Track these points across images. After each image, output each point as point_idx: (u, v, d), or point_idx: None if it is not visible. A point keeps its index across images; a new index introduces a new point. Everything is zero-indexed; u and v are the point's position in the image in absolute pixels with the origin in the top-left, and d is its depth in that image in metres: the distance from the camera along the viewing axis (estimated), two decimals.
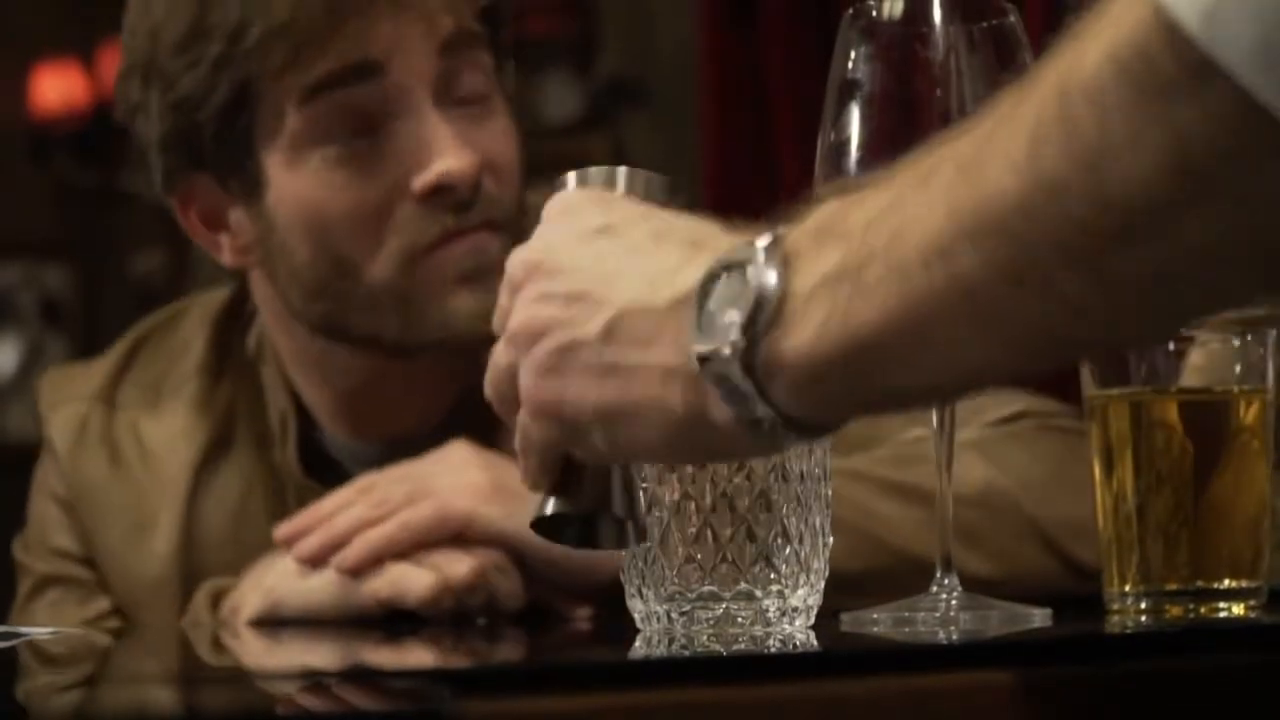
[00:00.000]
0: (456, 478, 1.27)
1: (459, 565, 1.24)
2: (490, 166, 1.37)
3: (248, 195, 1.38)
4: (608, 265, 0.83)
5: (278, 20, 1.32)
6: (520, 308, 0.85)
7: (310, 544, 1.28)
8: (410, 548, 1.25)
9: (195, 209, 1.42)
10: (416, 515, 1.26)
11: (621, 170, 0.91)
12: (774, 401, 0.77)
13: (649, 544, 0.94)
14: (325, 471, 1.41)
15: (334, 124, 1.35)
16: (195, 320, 1.51)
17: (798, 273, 0.76)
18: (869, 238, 0.74)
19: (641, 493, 0.90)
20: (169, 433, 1.46)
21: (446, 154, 1.34)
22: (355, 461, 1.40)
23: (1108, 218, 0.68)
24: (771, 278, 0.76)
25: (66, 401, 1.50)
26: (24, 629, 1.31)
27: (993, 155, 0.71)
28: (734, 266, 0.78)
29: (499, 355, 0.87)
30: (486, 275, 1.34)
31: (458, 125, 1.36)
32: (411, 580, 1.25)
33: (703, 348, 0.78)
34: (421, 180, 1.34)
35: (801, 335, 0.76)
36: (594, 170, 0.91)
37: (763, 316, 0.76)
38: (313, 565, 1.28)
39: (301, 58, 1.33)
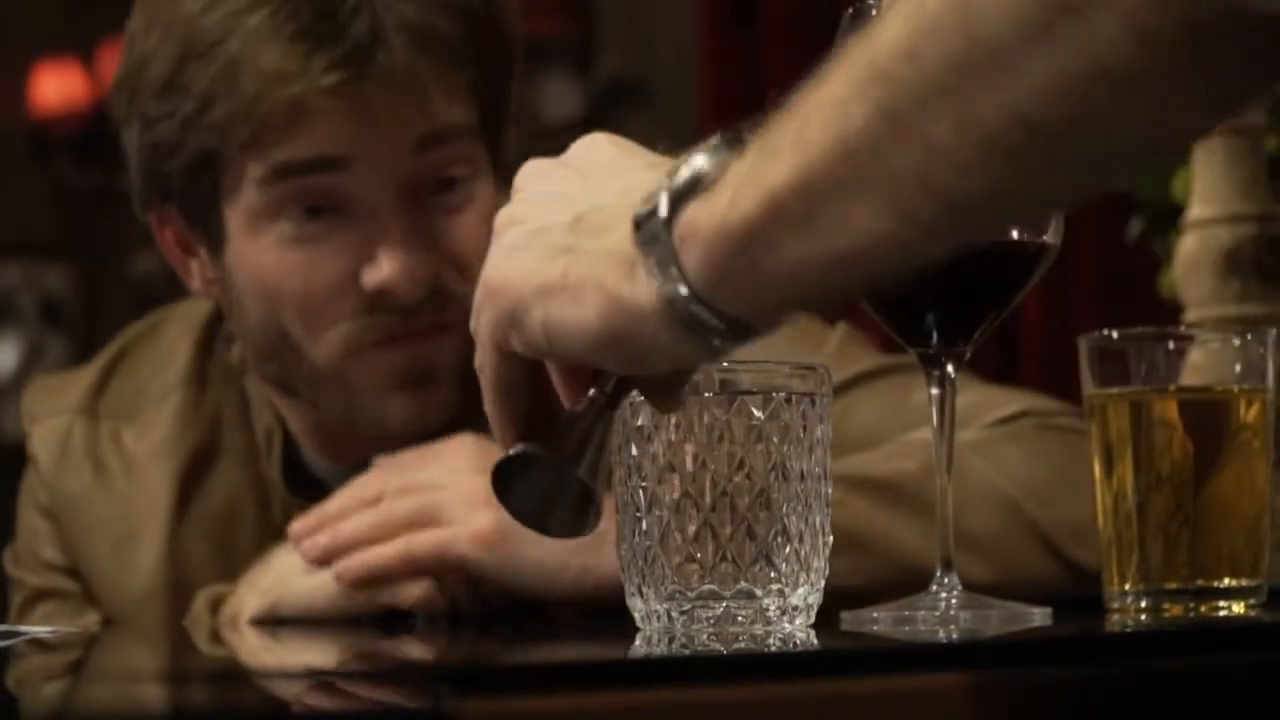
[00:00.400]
0: (467, 509, 1.26)
1: (415, 589, 1.26)
2: (455, 262, 1.34)
3: (210, 243, 1.37)
4: (593, 173, 0.87)
5: (242, 101, 1.30)
6: (506, 207, 0.88)
7: (316, 546, 1.29)
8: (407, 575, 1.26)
9: (169, 230, 1.41)
10: (419, 548, 1.26)
11: None
12: (686, 273, 0.78)
13: (650, 542, 0.94)
14: (311, 486, 1.40)
15: (293, 204, 1.33)
16: (178, 329, 1.50)
17: (729, 157, 0.79)
18: (783, 128, 0.76)
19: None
20: (153, 444, 1.45)
21: (396, 258, 1.32)
22: (337, 480, 1.38)
23: (974, 53, 0.69)
24: (709, 154, 0.79)
25: (49, 414, 1.49)
26: (24, 627, 1.31)
27: (892, 14, 0.72)
28: (683, 163, 0.80)
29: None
30: (428, 380, 1.33)
31: (425, 220, 1.34)
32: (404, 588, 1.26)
33: (638, 213, 0.80)
34: (368, 279, 1.32)
35: (716, 203, 0.78)
36: None
37: (690, 185, 0.79)
38: (318, 564, 1.29)
39: (262, 141, 1.31)
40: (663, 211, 0.79)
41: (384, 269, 1.32)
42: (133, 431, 1.47)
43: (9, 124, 4.95)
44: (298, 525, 1.30)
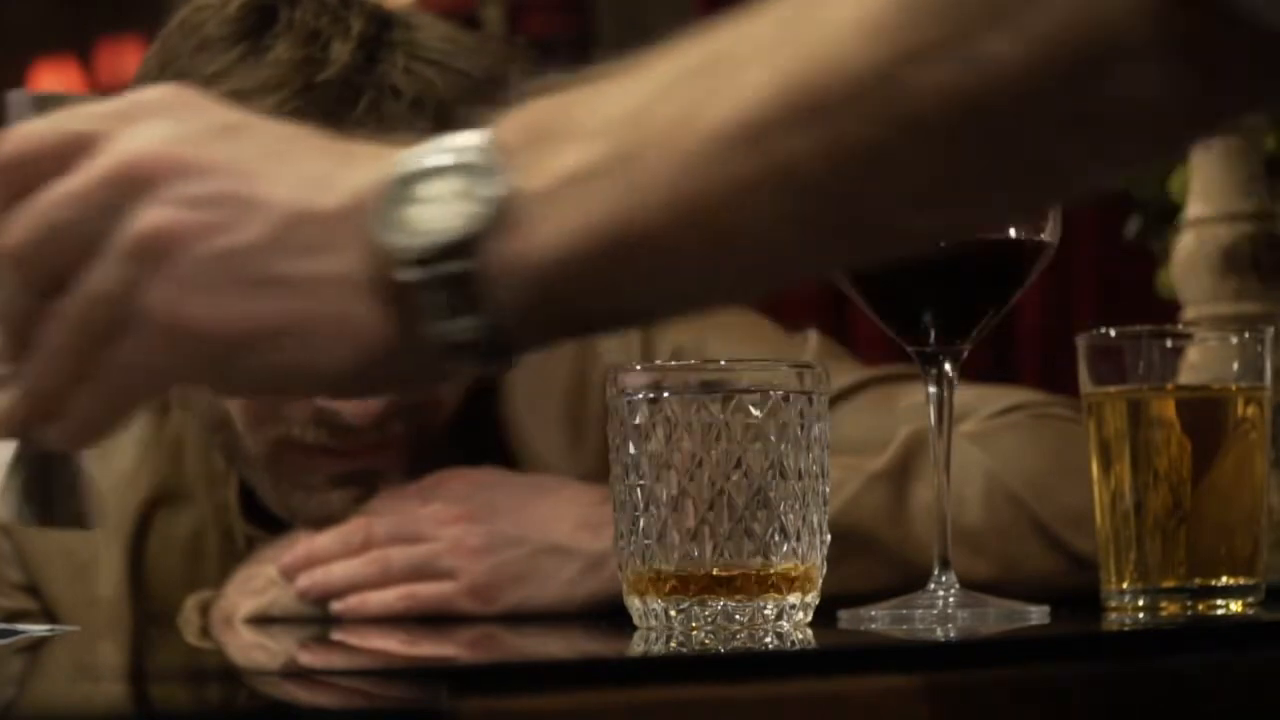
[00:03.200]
0: (466, 560, 1.25)
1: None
2: (410, 403, 1.29)
3: None
4: (251, 165, 0.72)
5: None
6: (146, 212, 0.71)
7: (307, 586, 1.28)
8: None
9: None
10: (421, 600, 1.25)
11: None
12: (496, 314, 0.69)
13: (648, 541, 0.94)
14: (270, 519, 1.38)
15: None
16: None
17: (524, 173, 0.69)
18: (632, 131, 0.68)
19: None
20: (116, 474, 1.42)
21: None
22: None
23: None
24: (496, 176, 0.69)
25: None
26: (22, 626, 1.31)
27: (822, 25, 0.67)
28: (437, 167, 0.70)
29: (93, 277, 0.72)
30: (370, 480, 1.30)
31: None
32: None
33: (411, 254, 0.69)
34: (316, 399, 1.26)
35: (545, 236, 0.69)
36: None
37: (494, 216, 0.69)
38: (310, 603, 1.28)
39: None
40: (451, 254, 0.69)
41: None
42: (91, 454, 1.44)
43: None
44: (288, 559, 1.30)
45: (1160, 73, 0.65)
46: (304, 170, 0.72)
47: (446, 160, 0.70)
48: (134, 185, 0.72)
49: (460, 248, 0.69)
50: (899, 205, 0.69)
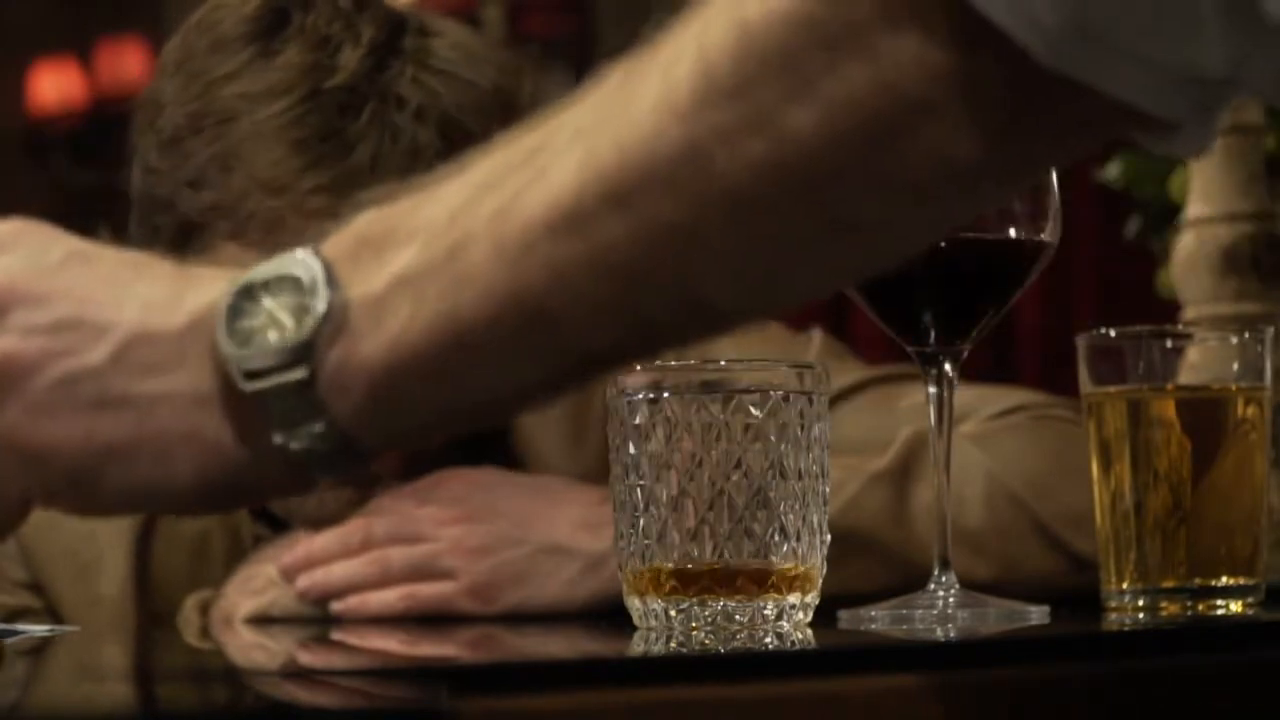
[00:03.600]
0: (465, 560, 1.26)
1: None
2: None
3: None
4: (94, 292, 0.75)
5: (228, 195, 1.26)
6: None
7: (307, 586, 1.28)
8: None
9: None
10: (422, 600, 1.25)
11: None
12: (339, 418, 0.72)
13: (648, 541, 0.94)
14: (277, 519, 1.38)
15: None
16: None
17: (352, 281, 0.72)
18: (456, 228, 0.70)
19: None
20: None
21: None
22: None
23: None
24: (327, 286, 0.72)
25: None
26: (22, 626, 1.31)
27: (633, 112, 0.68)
28: (270, 282, 0.73)
29: None
30: (362, 479, 1.28)
31: None
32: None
33: (252, 365, 0.72)
34: None
35: (381, 338, 0.71)
36: None
37: (326, 325, 0.71)
38: (310, 603, 1.28)
39: (242, 239, 1.27)
40: (288, 365, 0.71)
41: None
42: None
43: (6, 123, 4.95)
44: (287, 560, 1.30)
45: (960, 130, 0.66)
46: (147, 294, 0.75)
47: (281, 274, 0.73)
48: None
49: (296, 357, 0.71)
50: (719, 281, 0.70)
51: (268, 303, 0.73)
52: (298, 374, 0.71)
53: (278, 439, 0.72)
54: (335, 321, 0.71)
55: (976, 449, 1.27)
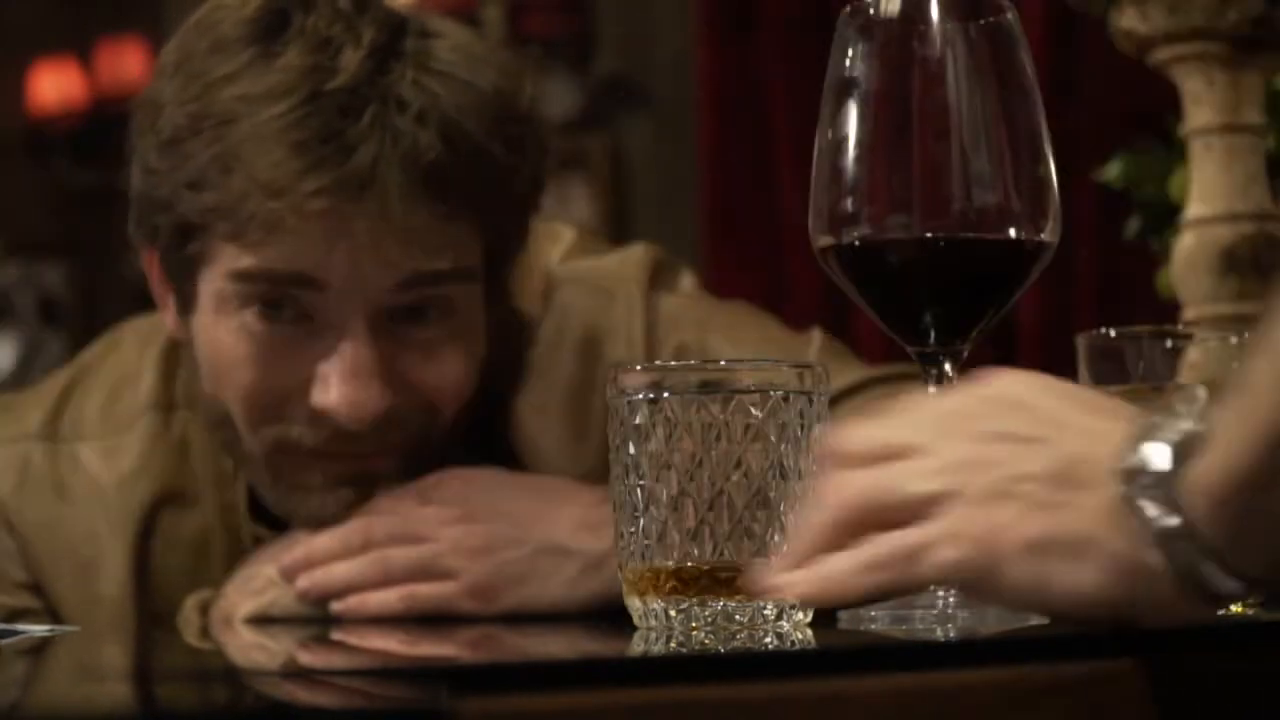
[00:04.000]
0: (465, 560, 1.26)
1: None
2: (415, 395, 1.30)
3: (181, 302, 1.34)
4: (1057, 415, 0.86)
5: (228, 196, 1.26)
6: (959, 444, 0.86)
7: (307, 586, 1.29)
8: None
9: (153, 269, 1.37)
10: (421, 600, 1.26)
11: None
12: (1198, 531, 0.79)
13: (648, 541, 0.94)
14: (277, 519, 1.38)
15: (259, 301, 1.29)
16: (137, 348, 1.47)
17: (1213, 414, 0.80)
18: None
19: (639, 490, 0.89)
20: (121, 473, 1.42)
21: (346, 387, 1.27)
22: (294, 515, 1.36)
23: None
24: (1194, 417, 0.80)
25: (6, 442, 1.45)
26: (22, 626, 1.31)
27: None
28: (1165, 420, 0.81)
29: (903, 479, 0.86)
30: (366, 481, 1.30)
31: (392, 349, 1.29)
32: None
33: (1129, 465, 0.81)
34: (315, 397, 1.28)
35: (1216, 454, 0.79)
36: None
37: (1183, 446, 0.80)
38: (310, 603, 1.28)
39: (241, 240, 1.27)
40: (1161, 466, 0.80)
41: (332, 396, 1.27)
42: (98, 454, 1.43)
43: (6, 123, 4.95)
44: (287, 560, 1.30)
45: None
46: (1083, 428, 0.85)
47: (1172, 412, 0.82)
48: (948, 427, 0.88)
49: (1153, 475, 0.80)
50: None
51: (1155, 434, 0.82)
52: (1158, 487, 0.80)
53: (1154, 544, 0.80)
54: (1190, 443, 0.80)
55: None
